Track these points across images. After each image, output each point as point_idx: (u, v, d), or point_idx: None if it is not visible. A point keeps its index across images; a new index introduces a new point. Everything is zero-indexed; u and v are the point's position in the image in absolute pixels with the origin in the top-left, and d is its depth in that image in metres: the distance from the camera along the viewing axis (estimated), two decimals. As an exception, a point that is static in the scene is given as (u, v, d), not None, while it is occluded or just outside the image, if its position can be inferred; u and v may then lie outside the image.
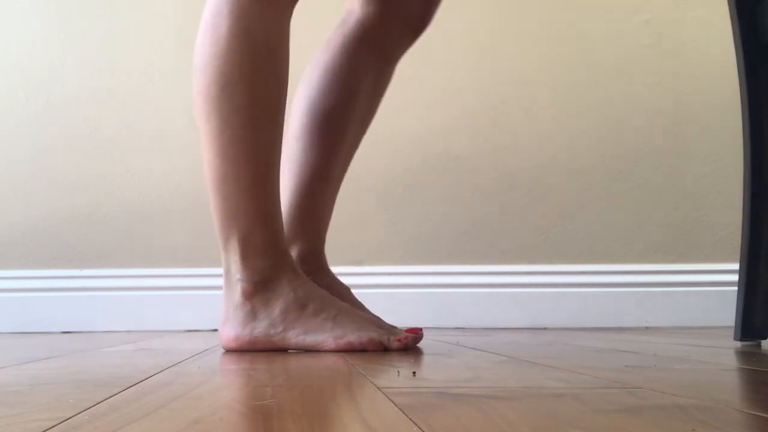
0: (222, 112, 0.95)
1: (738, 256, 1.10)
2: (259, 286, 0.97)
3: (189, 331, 1.78)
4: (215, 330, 1.75)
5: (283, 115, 0.99)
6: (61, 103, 1.89)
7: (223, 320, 0.99)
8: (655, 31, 1.94)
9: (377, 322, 1.01)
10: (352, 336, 0.95)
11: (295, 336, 0.96)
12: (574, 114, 1.92)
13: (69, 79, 1.89)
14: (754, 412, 0.45)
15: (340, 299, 1.05)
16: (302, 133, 1.12)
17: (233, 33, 0.94)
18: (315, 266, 1.13)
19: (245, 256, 0.97)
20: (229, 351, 0.99)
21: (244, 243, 0.97)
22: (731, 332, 1.10)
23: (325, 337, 0.95)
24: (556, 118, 1.92)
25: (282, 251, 0.99)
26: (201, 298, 1.81)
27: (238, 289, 0.98)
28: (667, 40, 1.94)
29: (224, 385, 0.62)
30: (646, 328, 1.80)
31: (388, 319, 1.08)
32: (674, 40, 1.94)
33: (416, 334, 1.00)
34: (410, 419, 0.42)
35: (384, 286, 1.82)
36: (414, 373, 0.67)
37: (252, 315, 0.97)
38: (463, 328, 1.80)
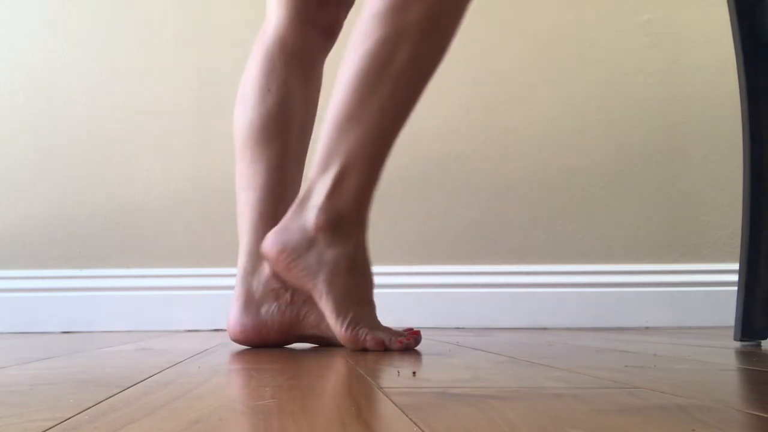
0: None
1: (738, 256, 1.10)
2: (332, 226, 0.96)
3: (189, 331, 1.78)
4: (215, 330, 1.75)
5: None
6: (61, 103, 1.89)
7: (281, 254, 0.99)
8: (655, 31, 1.94)
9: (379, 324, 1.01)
10: (362, 330, 0.95)
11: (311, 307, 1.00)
12: (574, 114, 1.92)
13: (69, 79, 1.89)
14: (754, 412, 0.45)
15: None
16: (245, 147, 1.11)
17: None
18: None
19: (335, 190, 0.96)
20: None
21: (339, 178, 0.96)
22: (731, 332, 1.10)
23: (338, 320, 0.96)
24: (556, 118, 1.92)
25: (363, 217, 0.98)
26: (201, 298, 1.81)
27: (311, 215, 0.97)
28: (667, 40, 1.94)
29: (224, 385, 0.62)
30: (646, 328, 1.80)
31: (388, 319, 1.08)
32: (674, 40, 1.94)
33: (417, 335, 1.00)
34: (410, 419, 0.42)
35: (384, 286, 1.81)
36: (414, 373, 0.67)
37: (315, 253, 0.97)
38: (463, 328, 1.80)
